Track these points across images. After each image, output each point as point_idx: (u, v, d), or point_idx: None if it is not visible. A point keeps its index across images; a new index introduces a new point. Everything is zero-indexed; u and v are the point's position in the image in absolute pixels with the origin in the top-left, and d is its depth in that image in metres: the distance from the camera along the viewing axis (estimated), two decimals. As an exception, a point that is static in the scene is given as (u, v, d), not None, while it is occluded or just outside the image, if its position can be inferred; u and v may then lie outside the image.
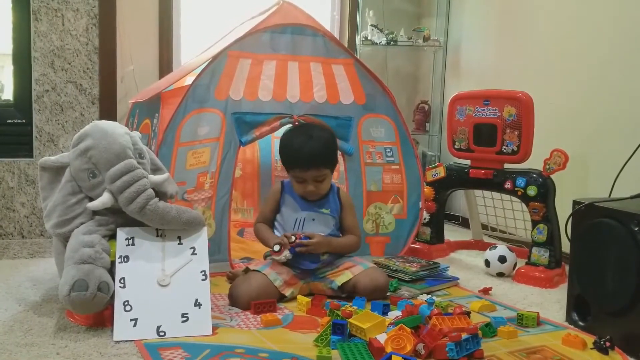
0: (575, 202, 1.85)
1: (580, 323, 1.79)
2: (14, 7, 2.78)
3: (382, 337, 1.50)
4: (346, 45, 3.33)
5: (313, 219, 2.01)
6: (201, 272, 1.68)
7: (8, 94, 2.91)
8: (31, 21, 2.77)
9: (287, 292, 1.91)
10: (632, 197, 1.80)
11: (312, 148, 1.95)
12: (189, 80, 2.28)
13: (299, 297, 1.89)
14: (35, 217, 2.83)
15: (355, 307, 1.74)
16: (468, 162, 2.64)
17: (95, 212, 1.71)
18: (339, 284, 1.93)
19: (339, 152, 2.47)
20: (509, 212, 2.83)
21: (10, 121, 2.83)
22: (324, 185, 2.01)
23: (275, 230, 2.06)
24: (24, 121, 2.83)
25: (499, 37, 3.26)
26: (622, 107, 2.46)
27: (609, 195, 1.96)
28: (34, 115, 2.81)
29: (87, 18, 2.85)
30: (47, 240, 2.76)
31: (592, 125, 2.60)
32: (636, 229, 1.59)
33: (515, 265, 2.39)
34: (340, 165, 2.56)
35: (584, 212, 1.80)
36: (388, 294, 2.00)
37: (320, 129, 2.08)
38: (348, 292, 1.93)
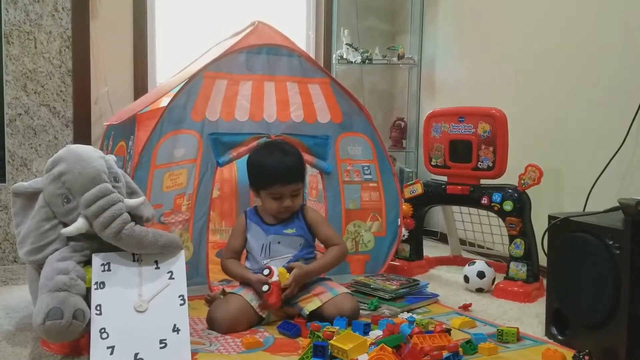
0: (550, 217, 1.87)
1: (559, 337, 1.81)
2: (-15, 30, 2.75)
3: (363, 358, 1.49)
4: (322, 65, 3.35)
5: (278, 242, 2.00)
6: (179, 296, 1.66)
7: (-21, 118, 2.87)
8: (3, 44, 2.74)
9: (264, 314, 1.90)
10: (605, 211, 1.83)
11: (290, 162, 1.98)
12: (164, 101, 2.27)
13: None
14: (8, 244, 2.77)
15: (337, 328, 1.73)
16: (445, 178, 2.67)
17: (69, 238, 1.68)
18: (307, 312, 1.90)
19: (317, 171, 2.48)
20: (486, 227, 2.85)
21: (-18, 145, 2.78)
22: (298, 200, 2.01)
23: (247, 262, 2.04)
24: (-5, 145, 2.79)
25: (471, 54, 3.31)
26: (593, 122, 2.50)
27: (584, 209, 1.99)
28: (6, 139, 2.77)
29: (60, 40, 2.83)
30: (21, 267, 2.70)
31: (565, 140, 2.65)
32: (611, 242, 1.62)
33: (494, 280, 2.40)
34: (319, 184, 2.56)
35: (560, 226, 1.82)
36: (367, 312, 1.99)
37: (288, 145, 2.11)
38: (317, 319, 1.86)
